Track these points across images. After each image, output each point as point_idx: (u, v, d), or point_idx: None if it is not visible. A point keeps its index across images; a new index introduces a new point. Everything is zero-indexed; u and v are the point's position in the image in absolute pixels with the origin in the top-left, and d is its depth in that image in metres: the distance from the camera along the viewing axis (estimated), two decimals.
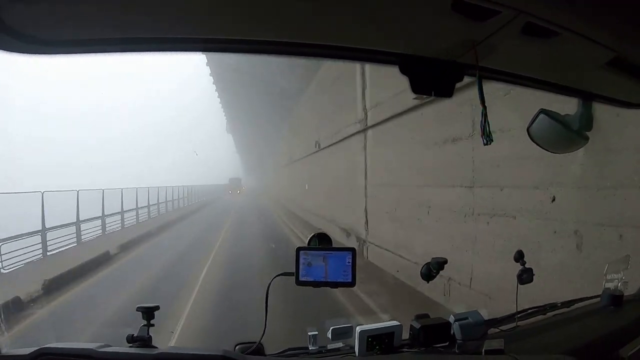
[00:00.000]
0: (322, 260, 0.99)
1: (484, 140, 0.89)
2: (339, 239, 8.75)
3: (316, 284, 1.00)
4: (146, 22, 0.77)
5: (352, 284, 0.99)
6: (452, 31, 0.82)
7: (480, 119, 0.87)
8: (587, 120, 1.17)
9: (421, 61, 0.92)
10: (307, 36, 0.87)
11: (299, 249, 1.00)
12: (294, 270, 1.01)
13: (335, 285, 0.99)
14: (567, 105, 1.20)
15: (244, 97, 19.07)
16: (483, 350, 1.01)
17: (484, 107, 0.87)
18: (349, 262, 0.99)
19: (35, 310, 5.74)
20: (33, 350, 1.03)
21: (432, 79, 0.94)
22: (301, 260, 0.99)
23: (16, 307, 5.61)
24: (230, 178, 45.56)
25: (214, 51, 0.99)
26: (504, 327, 1.19)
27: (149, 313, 1.07)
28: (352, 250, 1.00)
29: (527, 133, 1.19)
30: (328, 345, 1.11)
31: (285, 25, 0.82)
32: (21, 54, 0.78)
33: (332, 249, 1.01)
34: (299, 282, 1.00)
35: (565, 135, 1.18)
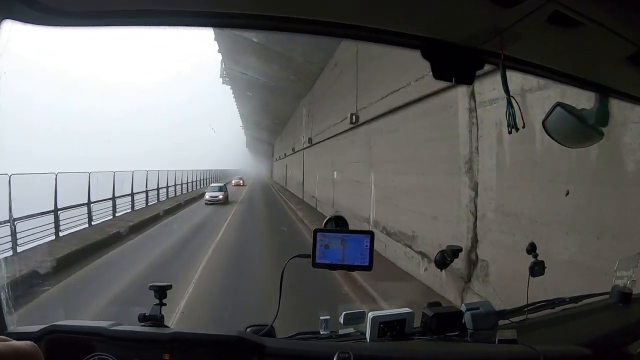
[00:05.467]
0: (340, 243, 0.98)
1: (509, 130, 0.89)
2: None
3: (333, 267, 0.98)
4: None
5: (369, 267, 0.98)
6: (479, 17, 0.82)
7: (506, 108, 0.86)
8: (603, 116, 1.17)
9: (444, 46, 0.91)
10: (325, 13, 0.84)
11: (316, 231, 0.99)
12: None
13: (351, 268, 0.98)
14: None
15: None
16: (496, 340, 1.01)
17: (509, 96, 0.87)
18: (366, 245, 0.97)
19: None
20: (42, 327, 1.02)
21: (454, 65, 0.94)
22: (318, 242, 0.98)
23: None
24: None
25: (229, 27, 1.03)
26: (514, 319, 1.19)
27: (161, 292, 1.06)
28: (370, 233, 0.99)
29: (542, 126, 1.19)
30: (339, 330, 1.10)
31: (303, 1, 0.81)
32: (37, 26, 0.78)
33: (350, 232, 1.00)
34: (315, 265, 0.98)
35: (580, 129, 1.18)
